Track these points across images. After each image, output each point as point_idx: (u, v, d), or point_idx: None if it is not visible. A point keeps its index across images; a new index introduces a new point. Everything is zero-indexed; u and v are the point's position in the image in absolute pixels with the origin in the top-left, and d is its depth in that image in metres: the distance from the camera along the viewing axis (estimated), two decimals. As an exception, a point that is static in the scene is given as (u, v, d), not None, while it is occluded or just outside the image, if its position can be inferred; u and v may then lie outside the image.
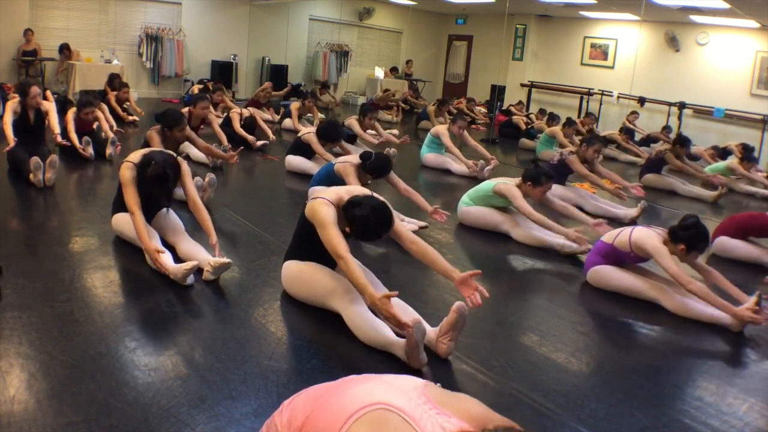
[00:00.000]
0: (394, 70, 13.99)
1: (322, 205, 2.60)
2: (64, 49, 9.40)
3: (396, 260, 3.58)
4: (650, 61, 11.36)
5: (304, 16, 12.81)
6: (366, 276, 2.70)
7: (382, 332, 2.41)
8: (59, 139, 4.95)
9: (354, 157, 4.20)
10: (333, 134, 5.61)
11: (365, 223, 2.51)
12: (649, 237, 3.22)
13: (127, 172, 3.13)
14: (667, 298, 3.23)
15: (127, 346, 2.30)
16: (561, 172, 5.41)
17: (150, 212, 3.22)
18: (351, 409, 1.22)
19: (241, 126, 6.92)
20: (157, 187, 3.12)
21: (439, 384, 1.38)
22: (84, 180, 4.96)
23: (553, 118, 9.16)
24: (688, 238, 3.11)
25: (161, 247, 2.97)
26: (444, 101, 10.18)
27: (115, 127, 6.33)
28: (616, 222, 5.09)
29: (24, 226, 3.76)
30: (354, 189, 2.76)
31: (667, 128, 10.09)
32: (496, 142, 9.77)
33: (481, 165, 6.42)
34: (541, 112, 11.27)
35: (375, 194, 2.69)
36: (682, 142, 6.77)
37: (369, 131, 7.12)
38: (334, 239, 2.50)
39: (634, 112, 10.79)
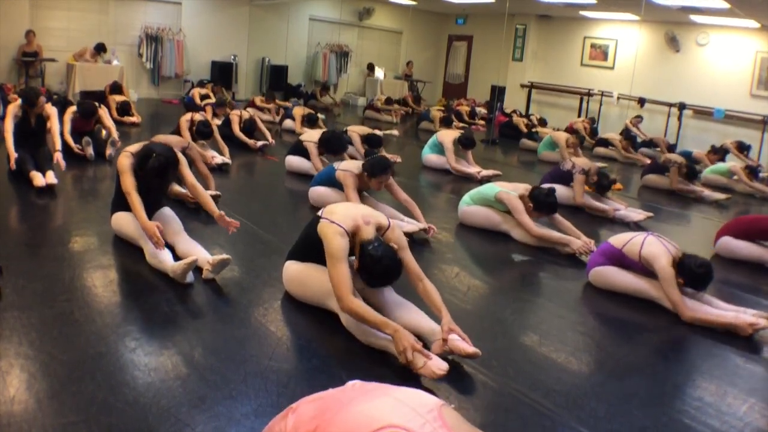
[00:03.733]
0: (370, 68, 13.77)
1: (336, 235, 2.51)
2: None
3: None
4: (650, 61, 11.35)
5: (304, 17, 12.80)
6: None
7: (379, 334, 2.41)
8: (59, 158, 4.46)
9: (356, 165, 4.19)
10: (335, 146, 5.53)
11: (372, 271, 2.45)
12: (660, 256, 3.18)
13: (124, 161, 3.17)
14: None
15: (127, 346, 2.30)
16: (565, 176, 5.43)
17: (148, 210, 3.22)
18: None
19: (241, 129, 6.92)
20: (157, 178, 3.17)
21: (453, 405, 1.33)
22: (84, 180, 4.96)
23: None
24: (692, 278, 3.11)
25: (159, 224, 3.00)
26: (449, 120, 9.62)
27: (113, 129, 6.31)
28: (615, 223, 5.09)
29: (24, 226, 3.76)
30: (371, 216, 2.66)
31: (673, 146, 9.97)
32: (496, 142, 9.77)
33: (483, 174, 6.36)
34: (542, 122, 11.11)
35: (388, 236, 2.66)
36: (690, 174, 6.71)
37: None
38: (341, 279, 2.42)
39: (638, 116, 10.74)
